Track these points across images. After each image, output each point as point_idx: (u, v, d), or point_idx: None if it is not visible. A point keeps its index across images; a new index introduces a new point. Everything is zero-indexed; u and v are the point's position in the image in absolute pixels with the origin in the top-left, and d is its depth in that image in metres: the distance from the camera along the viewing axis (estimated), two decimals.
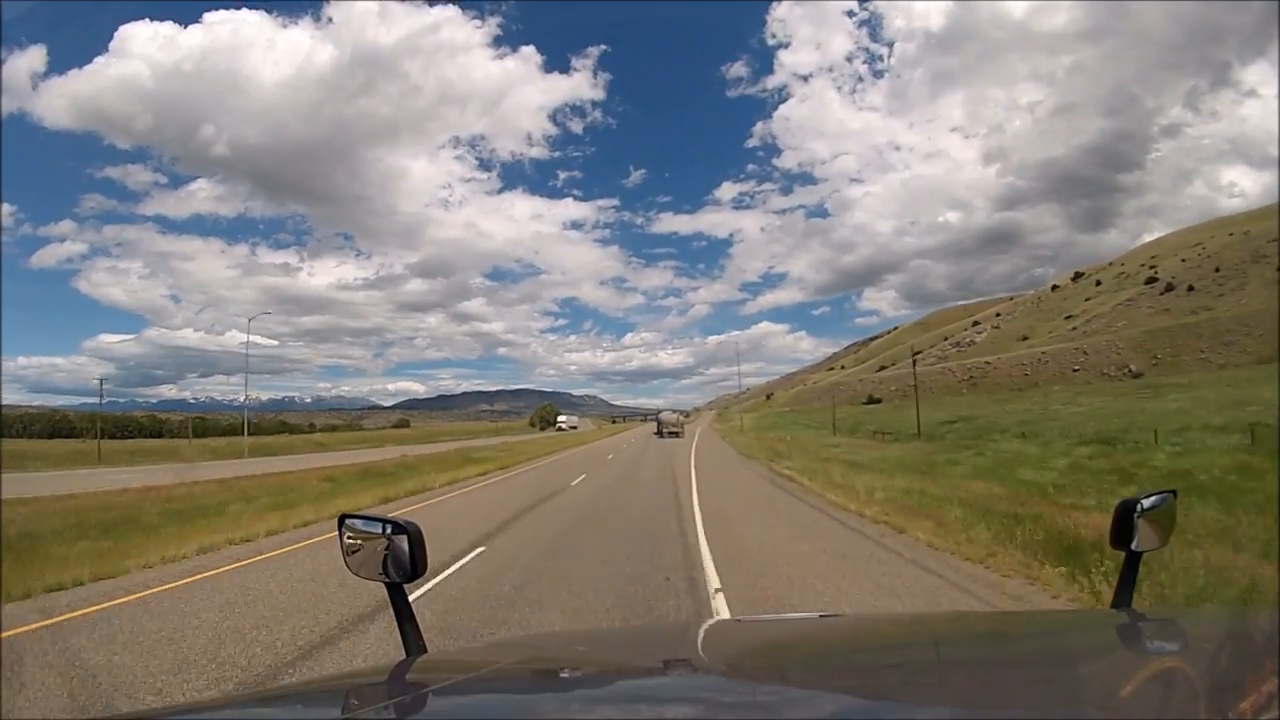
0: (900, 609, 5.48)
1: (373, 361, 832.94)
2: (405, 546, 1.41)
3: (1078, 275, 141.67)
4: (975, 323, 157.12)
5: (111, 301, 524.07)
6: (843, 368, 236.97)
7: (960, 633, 1.69)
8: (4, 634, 4.45)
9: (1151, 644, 1.30)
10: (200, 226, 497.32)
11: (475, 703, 1.08)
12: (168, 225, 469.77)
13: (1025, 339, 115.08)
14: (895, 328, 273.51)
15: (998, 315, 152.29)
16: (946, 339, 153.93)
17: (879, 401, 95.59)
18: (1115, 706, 0.87)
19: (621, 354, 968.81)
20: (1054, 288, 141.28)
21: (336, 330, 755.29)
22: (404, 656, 1.35)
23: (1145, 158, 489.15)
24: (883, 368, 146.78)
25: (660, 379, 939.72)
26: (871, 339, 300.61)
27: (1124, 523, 1.45)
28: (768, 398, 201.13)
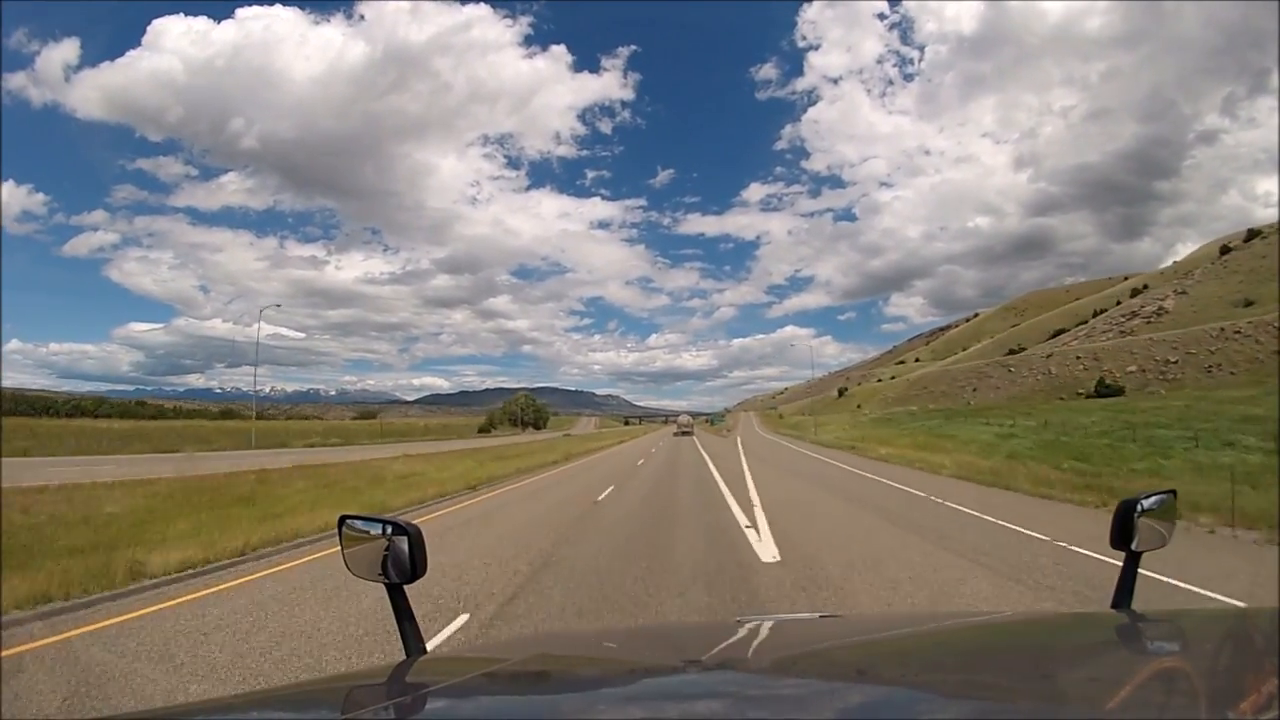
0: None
1: (398, 356, 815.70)
2: (405, 548, 1.41)
3: (1252, 235, 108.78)
4: (1134, 291, 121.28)
5: (142, 291, 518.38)
6: (917, 360, 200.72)
7: (961, 632, 1.68)
8: None
9: (1151, 644, 1.31)
10: (230, 218, 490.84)
11: (475, 703, 1.08)
12: (198, 217, 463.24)
13: (1250, 303, 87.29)
14: (975, 314, 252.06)
15: (1146, 288, 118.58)
16: (1098, 313, 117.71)
17: (1118, 391, 59.24)
18: (1115, 707, 0.86)
19: (646, 355, 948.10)
20: (1225, 250, 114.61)
21: (362, 324, 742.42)
22: (404, 657, 1.36)
23: (1181, 165, 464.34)
24: (1011, 351, 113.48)
25: (684, 380, 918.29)
26: (943, 329, 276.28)
27: (1124, 522, 1.46)
28: (840, 393, 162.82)
